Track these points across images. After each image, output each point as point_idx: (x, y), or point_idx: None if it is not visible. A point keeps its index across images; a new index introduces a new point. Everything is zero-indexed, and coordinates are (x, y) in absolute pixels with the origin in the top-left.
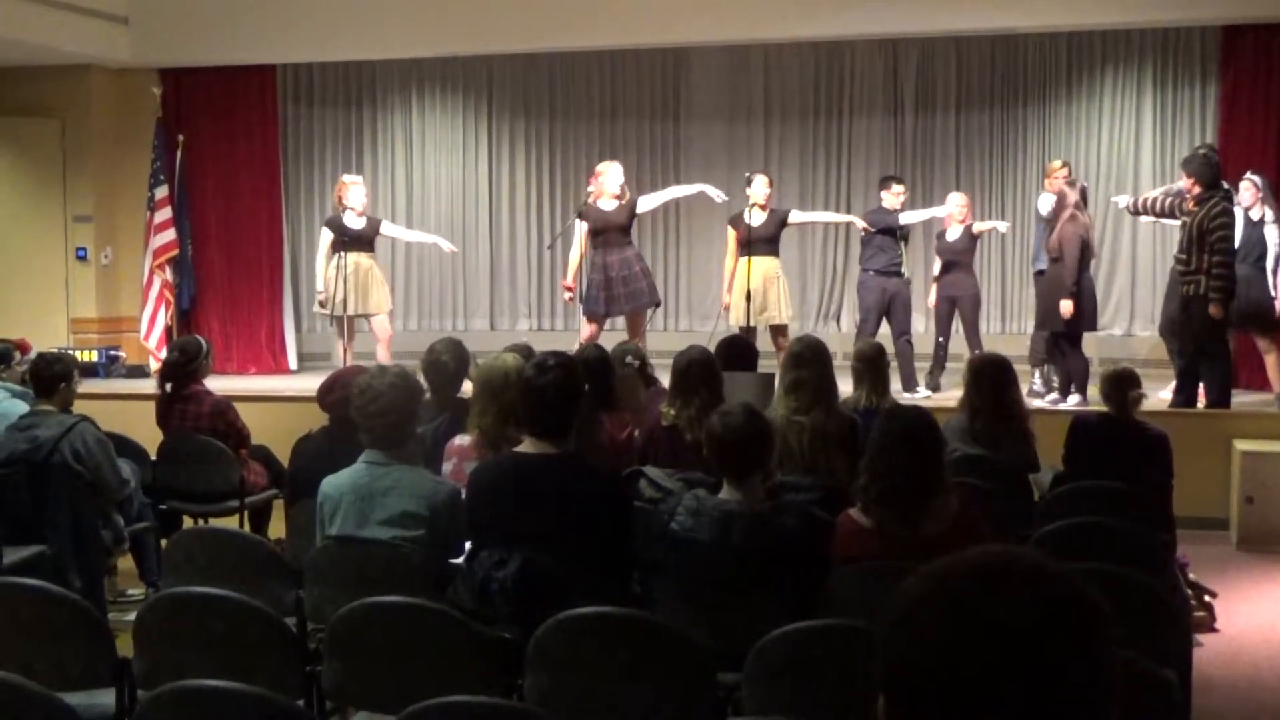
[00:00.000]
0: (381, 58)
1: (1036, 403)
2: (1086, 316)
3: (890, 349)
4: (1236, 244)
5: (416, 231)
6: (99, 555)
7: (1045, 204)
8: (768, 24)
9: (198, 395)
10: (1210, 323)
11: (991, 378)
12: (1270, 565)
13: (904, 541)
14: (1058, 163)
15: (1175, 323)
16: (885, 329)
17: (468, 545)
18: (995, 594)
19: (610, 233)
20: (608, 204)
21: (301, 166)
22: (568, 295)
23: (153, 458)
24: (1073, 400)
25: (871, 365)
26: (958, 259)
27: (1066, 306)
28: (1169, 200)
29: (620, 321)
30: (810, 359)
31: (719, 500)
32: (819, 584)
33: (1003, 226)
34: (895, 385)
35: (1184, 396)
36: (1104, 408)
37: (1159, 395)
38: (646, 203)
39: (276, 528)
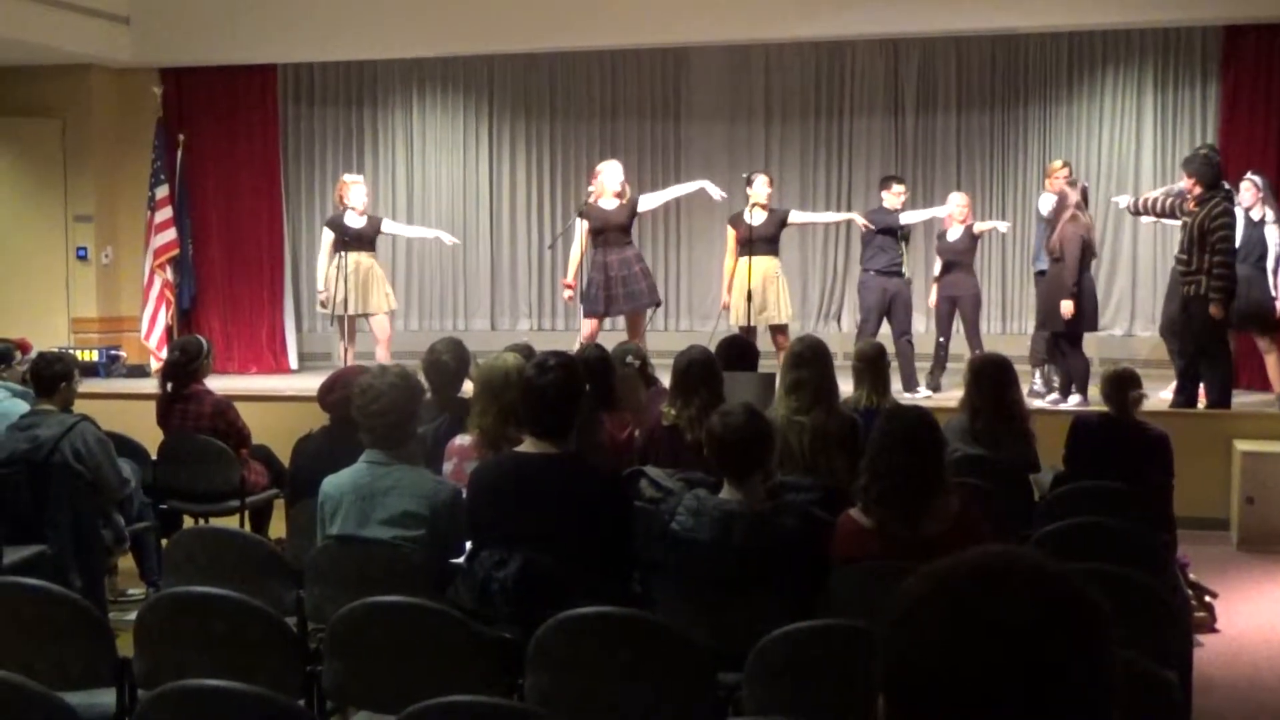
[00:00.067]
0: (382, 57)
1: (1037, 403)
2: (1087, 317)
3: (891, 349)
4: (1237, 244)
5: (417, 227)
6: (99, 555)
7: (1046, 204)
8: (768, 24)
9: (198, 395)
10: (1211, 323)
11: (992, 378)
12: (1271, 565)
13: (904, 541)
14: (1058, 163)
15: (1176, 323)
16: (886, 329)
17: (468, 545)
18: (996, 594)
19: (611, 232)
20: (609, 203)
21: (302, 166)
22: (568, 294)
23: (153, 457)
24: (1073, 400)
25: (872, 365)
26: (958, 259)
27: (1067, 307)
28: (1169, 200)
29: (620, 321)
30: (811, 359)
31: (719, 500)
32: (819, 584)
33: (1003, 226)
34: (896, 385)
35: (1184, 397)
36: (1105, 408)
37: (1159, 395)
38: (647, 202)
39: (277, 527)
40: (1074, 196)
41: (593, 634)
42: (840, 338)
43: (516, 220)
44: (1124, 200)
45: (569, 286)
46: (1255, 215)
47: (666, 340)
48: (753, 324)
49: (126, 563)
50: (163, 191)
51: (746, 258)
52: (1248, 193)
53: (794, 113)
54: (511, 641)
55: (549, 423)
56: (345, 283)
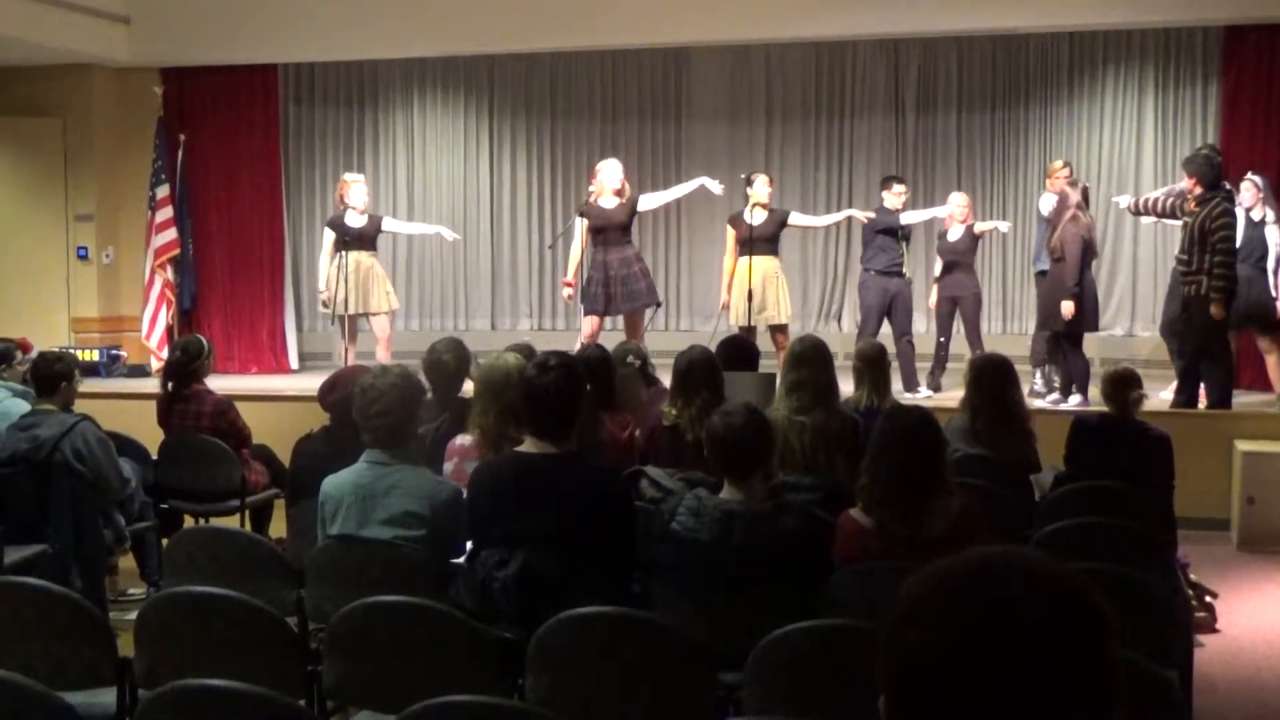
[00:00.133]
0: (383, 57)
1: (1038, 403)
2: (1088, 317)
3: (891, 349)
4: (1238, 244)
5: (418, 224)
6: (100, 554)
7: (1047, 204)
8: (769, 24)
9: (199, 395)
10: (1211, 323)
11: (993, 378)
12: (1271, 566)
13: (905, 541)
14: (1059, 163)
15: (1176, 323)
16: (886, 329)
17: (469, 545)
18: (996, 594)
19: (611, 230)
20: (608, 201)
21: (303, 166)
22: (568, 292)
23: (154, 457)
24: (1074, 400)
25: (873, 365)
26: (959, 259)
27: (1068, 307)
28: (1170, 200)
29: (620, 321)
30: (811, 359)
31: (720, 500)
32: (820, 584)
33: (1004, 226)
34: (896, 385)
35: (1185, 397)
36: (1105, 408)
37: (1160, 395)
38: (648, 202)
39: (277, 527)
40: (1075, 197)
41: (593, 634)
42: (841, 338)
43: (517, 220)
44: (1124, 200)
45: (569, 285)
46: (1256, 215)
47: (667, 340)
48: (752, 324)
49: (127, 562)
50: (163, 191)
51: (747, 257)
52: (1248, 193)
53: (795, 113)
54: (512, 641)
55: (550, 423)
56: (346, 282)
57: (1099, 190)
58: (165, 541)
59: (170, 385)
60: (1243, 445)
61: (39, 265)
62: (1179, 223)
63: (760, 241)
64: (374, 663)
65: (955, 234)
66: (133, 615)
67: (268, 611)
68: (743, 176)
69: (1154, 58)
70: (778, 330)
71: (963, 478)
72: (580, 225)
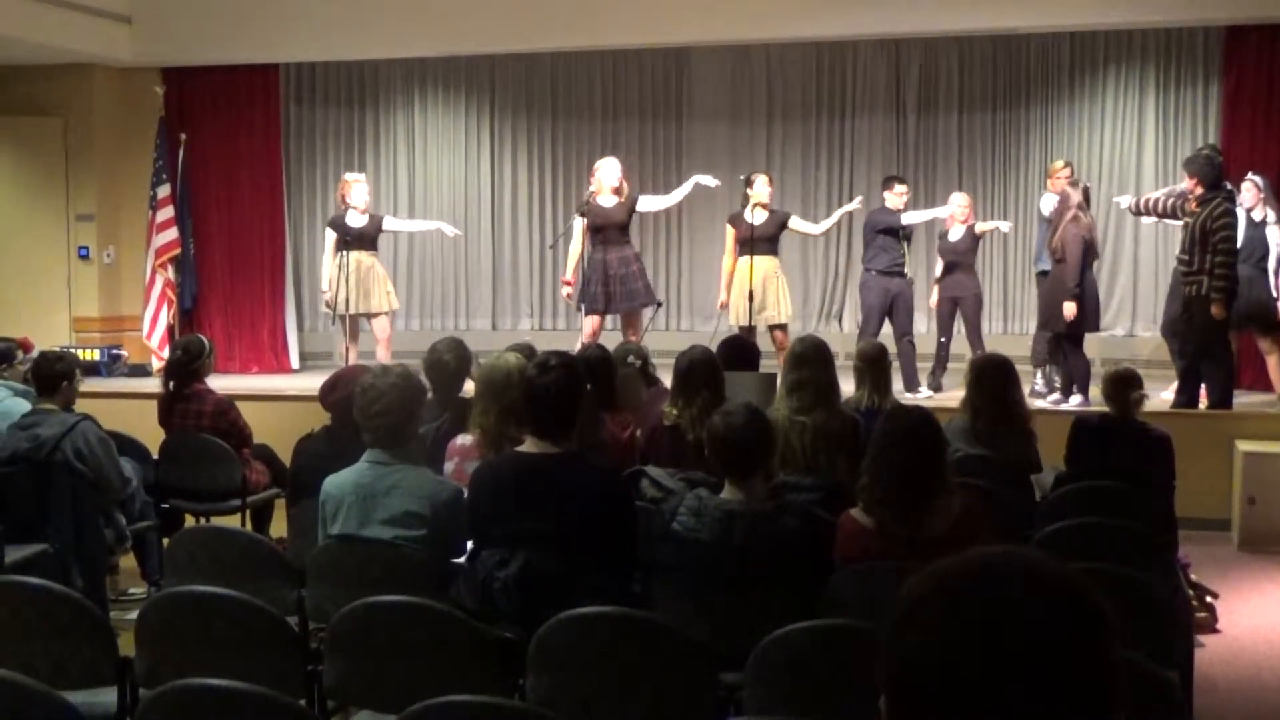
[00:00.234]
0: (384, 57)
1: (1038, 403)
2: (1089, 317)
3: (892, 349)
4: (1239, 245)
5: (418, 221)
6: (101, 554)
7: (1047, 204)
8: (770, 24)
9: (200, 394)
10: (1212, 323)
11: (993, 378)
12: (1272, 566)
13: (905, 541)
14: (1060, 163)
15: (1177, 323)
16: (887, 329)
17: (469, 545)
18: (997, 594)
19: (610, 229)
20: (607, 200)
21: (304, 166)
22: (567, 291)
23: (155, 456)
24: (1075, 401)
25: (873, 365)
26: (960, 259)
27: (1070, 309)
28: (1171, 201)
29: (618, 321)
30: (812, 359)
31: (721, 500)
32: (820, 584)
33: (1005, 227)
34: (897, 385)
35: (1186, 397)
36: (1106, 408)
37: (1161, 396)
38: (648, 203)
39: (278, 527)
40: (1076, 197)
41: (594, 634)
42: (841, 338)
43: (518, 220)
44: (1125, 200)
45: (568, 284)
46: (1256, 216)
47: (667, 340)
48: (753, 324)
49: (128, 562)
50: (164, 191)
51: (747, 257)
52: (1249, 193)
53: (795, 113)
54: (513, 641)
55: (550, 422)
56: (347, 282)
57: (1100, 190)
58: (166, 541)
59: (171, 385)
60: (1243, 445)
61: (40, 265)
62: (1180, 223)
63: (761, 241)
64: (374, 662)
65: (956, 234)
66: (133, 615)
67: (268, 611)
68: (742, 177)
69: (1155, 58)
70: (777, 329)
71: (963, 478)
72: (579, 224)
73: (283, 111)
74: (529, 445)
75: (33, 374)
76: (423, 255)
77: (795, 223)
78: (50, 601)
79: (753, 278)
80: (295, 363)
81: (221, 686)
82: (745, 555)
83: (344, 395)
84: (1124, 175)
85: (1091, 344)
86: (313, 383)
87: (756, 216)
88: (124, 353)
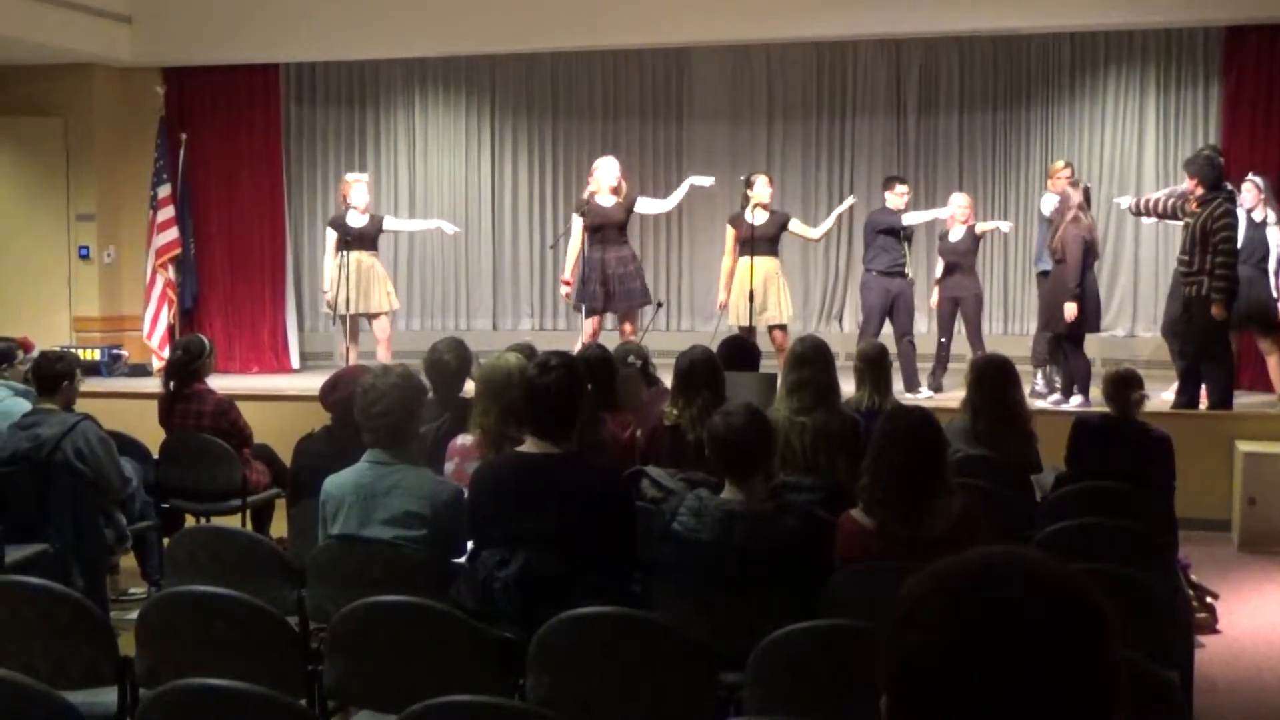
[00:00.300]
0: (384, 57)
1: (1039, 403)
2: (1089, 317)
3: (892, 349)
4: (1239, 245)
5: (418, 220)
6: (101, 554)
7: (1048, 204)
8: (770, 24)
9: (200, 394)
10: (1212, 324)
11: (994, 378)
12: (1272, 567)
13: (906, 542)
14: (1060, 163)
15: (1177, 323)
16: (888, 329)
17: (469, 545)
18: (997, 594)
19: (609, 229)
20: (606, 200)
21: (304, 166)
22: (566, 291)
23: (155, 456)
24: (1075, 401)
25: (874, 365)
26: (960, 260)
27: (1071, 309)
28: (1171, 201)
29: (615, 321)
30: (812, 359)
31: (721, 500)
32: (821, 584)
33: (1005, 227)
34: (897, 386)
35: (1186, 397)
36: (1106, 409)
37: (1161, 396)
38: (645, 206)
39: (278, 527)
40: (1076, 198)
41: (594, 634)
42: (842, 338)
43: (519, 220)
44: (1125, 201)
45: (567, 284)
46: (1257, 216)
47: (668, 340)
48: (753, 324)
49: (128, 562)
50: (165, 191)
51: (748, 257)
52: (1249, 194)
53: (796, 113)
54: (513, 641)
55: (550, 422)
56: (347, 282)
57: (1100, 191)
58: (166, 541)
59: (171, 385)
60: (1244, 446)
61: (40, 265)
62: (1180, 223)
63: (761, 242)
64: (375, 662)
65: (956, 235)
66: (134, 615)
67: (269, 611)
68: (743, 178)
69: (1155, 58)
70: (777, 329)
71: (964, 478)
72: (578, 224)
73: (283, 111)
74: (529, 445)
75: (33, 374)
76: (423, 255)
77: (795, 226)
78: (50, 601)
79: (753, 278)
80: (295, 363)
81: (222, 686)
82: (745, 555)
83: (344, 395)
84: (1124, 176)
85: (1092, 344)
86: (313, 383)
87: (757, 217)
88: (124, 352)
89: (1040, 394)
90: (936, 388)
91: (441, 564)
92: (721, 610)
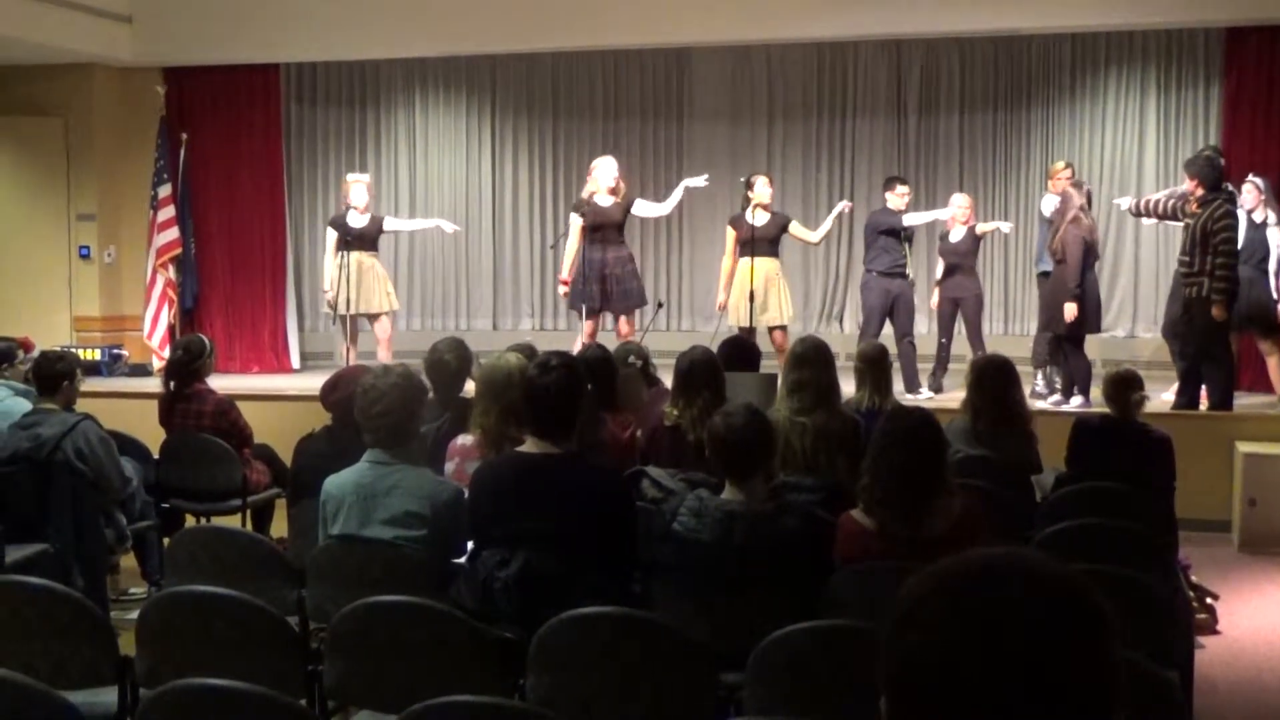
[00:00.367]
0: (385, 57)
1: (1039, 404)
2: (1090, 318)
3: (893, 350)
4: (1239, 246)
5: (418, 220)
6: (101, 554)
7: (1048, 205)
8: (771, 24)
9: (200, 394)
10: (1213, 325)
11: (994, 379)
12: (1272, 568)
13: (906, 542)
14: (1061, 164)
15: (1178, 324)
16: (888, 330)
17: (470, 545)
18: (997, 594)
19: (608, 229)
20: (604, 200)
21: (305, 166)
22: (564, 290)
23: (155, 456)
24: (1075, 402)
25: (874, 366)
26: (961, 261)
27: (1071, 310)
28: (1171, 202)
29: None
30: (813, 360)
31: (721, 500)
32: (821, 584)
33: (1006, 227)
34: (898, 386)
35: (1186, 398)
36: (1107, 409)
37: (1161, 397)
38: (643, 208)
39: (279, 527)
40: (1078, 199)
41: (594, 634)
42: (842, 339)
43: (519, 220)
44: (1125, 202)
45: (565, 284)
46: (1257, 217)
47: (668, 340)
48: (753, 324)
49: (128, 562)
50: (165, 190)
51: (748, 258)
52: (1249, 195)
53: (796, 113)
54: (513, 641)
55: (551, 423)
56: (347, 282)
57: (1100, 192)
58: (166, 541)
59: (172, 384)
60: (1244, 447)
61: (41, 264)
62: (1180, 224)
63: (762, 242)
64: (375, 662)
65: (957, 235)
66: (134, 614)
67: (269, 611)
68: (743, 179)
69: (1156, 59)
70: (777, 330)
71: (964, 479)
72: (577, 223)
73: (283, 111)
74: (529, 445)
75: (33, 374)
76: (424, 255)
77: (795, 228)
78: (50, 601)
79: (754, 279)
80: (296, 363)
81: (222, 686)
82: (745, 555)
83: (345, 395)
84: (1125, 176)
85: (1092, 345)
86: (313, 383)
87: (758, 218)
88: (125, 352)
89: (1040, 395)
90: (937, 388)
91: (442, 564)
92: (721, 610)
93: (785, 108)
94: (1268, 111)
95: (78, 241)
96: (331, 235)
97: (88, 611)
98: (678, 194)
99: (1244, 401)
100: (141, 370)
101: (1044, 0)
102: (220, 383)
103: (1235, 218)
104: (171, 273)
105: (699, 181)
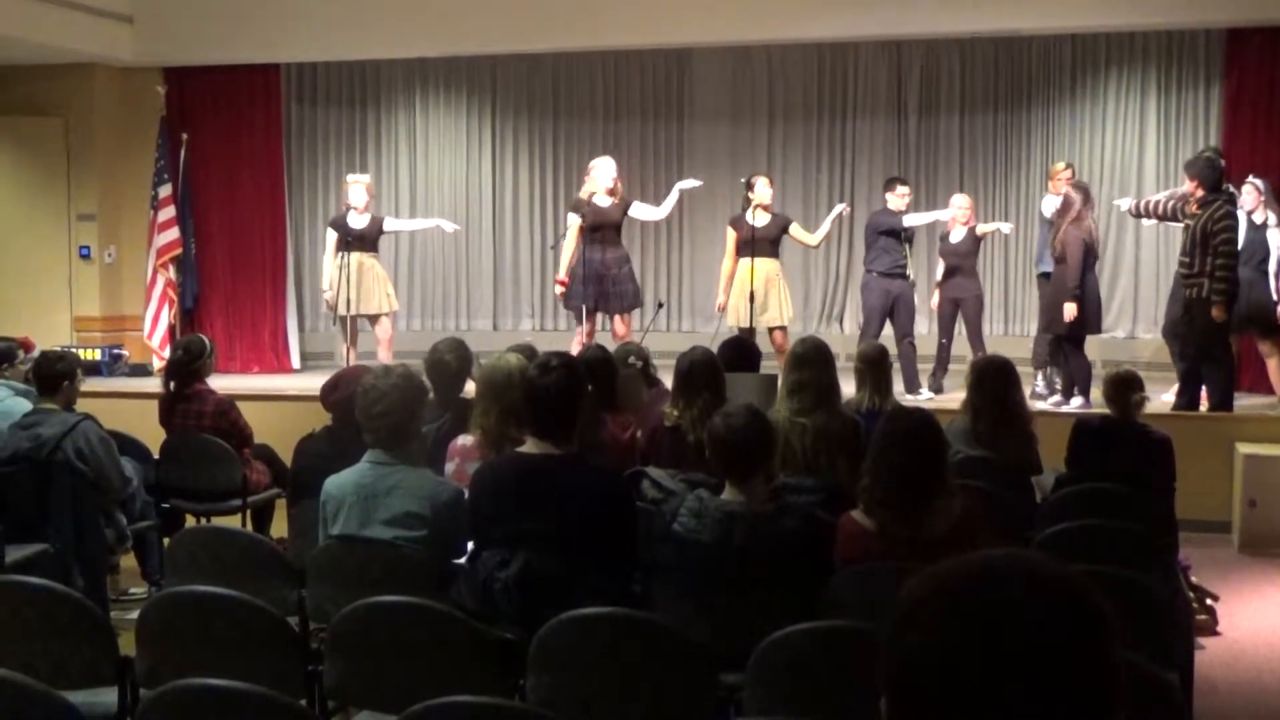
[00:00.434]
0: (385, 57)
1: (1039, 405)
2: (1090, 319)
3: (893, 351)
4: (1239, 247)
5: (418, 220)
6: (101, 554)
7: (1049, 206)
8: (771, 25)
9: (201, 394)
10: (1213, 326)
11: (994, 379)
12: (1272, 569)
13: (906, 543)
14: (1061, 164)
15: (1178, 325)
16: (888, 330)
17: (470, 546)
18: (997, 596)
19: (607, 229)
20: (603, 200)
21: (305, 166)
22: (559, 290)
23: (155, 456)
24: (1075, 402)
25: (874, 367)
26: (961, 262)
27: (1070, 310)
28: (1171, 203)
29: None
30: (813, 360)
31: (721, 501)
32: (821, 585)
33: (1006, 228)
34: (898, 387)
35: (1186, 399)
36: (1107, 410)
37: (1161, 398)
38: (640, 211)
39: (279, 527)
40: (1079, 202)
41: (595, 635)
42: (842, 339)
43: (519, 220)
44: (1125, 203)
45: (562, 283)
46: (1257, 219)
47: (668, 341)
48: (753, 325)
49: (128, 562)
50: (165, 190)
51: (749, 259)
52: (1249, 196)
53: (797, 114)
54: (513, 642)
55: (551, 423)
56: (347, 283)
57: (1101, 193)
58: (166, 541)
59: (172, 385)
60: (1244, 448)
61: (41, 264)
62: (1180, 225)
63: (762, 243)
64: (375, 663)
65: (957, 236)
66: (134, 615)
67: (269, 611)
68: (743, 180)
69: (1156, 60)
70: (777, 330)
71: (964, 480)
72: (574, 223)
73: (284, 111)
74: (530, 446)
75: (34, 374)
76: (424, 255)
77: (795, 230)
78: (50, 601)
79: (754, 279)
80: (296, 363)
81: (222, 686)
82: (745, 556)
83: (345, 395)
84: (1125, 177)
85: (1092, 346)
86: (314, 383)
87: (758, 219)
88: (125, 352)
89: (1041, 395)
90: (937, 389)
91: (442, 564)
92: (721, 611)
93: (786, 108)
94: (1268, 113)
95: (78, 241)
96: (331, 236)
97: (88, 611)
98: (673, 197)
99: (1244, 402)
100: (142, 370)
101: (1044, 1)
102: (220, 383)
103: (1235, 219)
104: (172, 273)
105: (692, 183)
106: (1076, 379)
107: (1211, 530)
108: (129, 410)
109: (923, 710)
